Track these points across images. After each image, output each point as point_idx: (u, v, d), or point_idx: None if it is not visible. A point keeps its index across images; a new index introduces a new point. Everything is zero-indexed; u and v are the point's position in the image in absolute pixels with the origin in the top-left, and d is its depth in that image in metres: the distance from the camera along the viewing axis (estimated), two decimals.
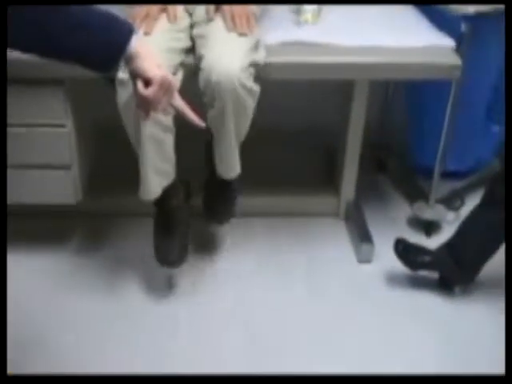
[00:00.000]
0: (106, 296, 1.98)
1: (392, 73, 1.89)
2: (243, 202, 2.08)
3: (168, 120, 1.74)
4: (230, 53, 1.67)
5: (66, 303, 1.95)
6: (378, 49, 1.87)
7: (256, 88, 1.72)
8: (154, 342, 1.83)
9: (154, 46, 1.68)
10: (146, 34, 1.70)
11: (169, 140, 1.78)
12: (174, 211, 1.92)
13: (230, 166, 1.89)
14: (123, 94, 1.66)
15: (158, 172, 1.80)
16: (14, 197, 1.96)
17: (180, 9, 1.80)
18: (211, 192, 1.99)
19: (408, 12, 2.11)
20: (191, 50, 1.82)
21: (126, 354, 1.80)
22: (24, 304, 1.92)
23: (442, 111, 2.10)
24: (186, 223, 1.96)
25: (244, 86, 1.67)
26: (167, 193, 1.86)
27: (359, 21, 2.01)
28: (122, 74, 1.65)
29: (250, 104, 1.73)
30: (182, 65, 1.78)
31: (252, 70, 1.70)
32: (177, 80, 1.73)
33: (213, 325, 1.89)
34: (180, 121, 1.71)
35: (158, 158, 1.77)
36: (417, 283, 2.05)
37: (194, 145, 1.89)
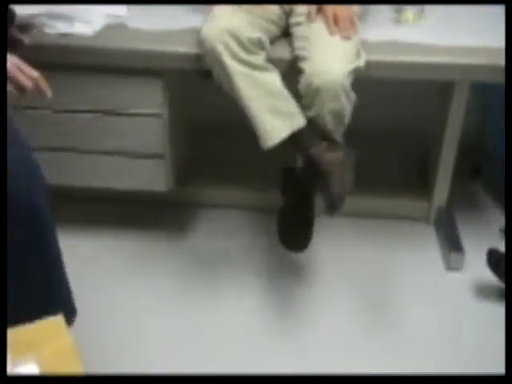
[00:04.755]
0: (177, 284, 2.02)
1: (493, 75, 1.81)
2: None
3: (257, 58, 1.69)
4: (335, 58, 1.64)
5: (133, 287, 2.00)
6: (480, 49, 1.81)
7: (353, 95, 1.69)
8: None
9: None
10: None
11: (269, 77, 1.71)
12: (318, 158, 1.72)
13: None
14: (211, 31, 1.66)
15: (273, 111, 1.70)
16: (105, 182, 2.03)
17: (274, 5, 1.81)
18: (288, 219, 1.89)
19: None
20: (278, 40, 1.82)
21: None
22: (92, 287, 1.98)
23: None
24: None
25: (346, 93, 1.65)
26: (303, 140, 1.73)
27: (461, 21, 1.94)
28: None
29: (348, 110, 1.70)
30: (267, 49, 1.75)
31: (353, 76, 1.67)
32: None
33: (279, 322, 1.90)
34: None
35: (262, 96, 1.69)
36: None
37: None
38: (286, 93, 1.73)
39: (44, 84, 1.47)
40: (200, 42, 1.71)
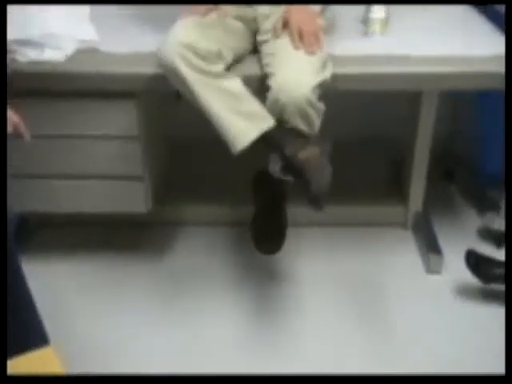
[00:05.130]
0: (157, 304, 2.01)
1: (460, 83, 1.84)
2: (311, 211, 2.07)
3: (215, 67, 1.67)
4: (299, 72, 1.63)
5: (114, 309, 2.00)
6: (446, 58, 1.83)
7: (321, 106, 1.69)
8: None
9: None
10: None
11: (229, 83, 1.68)
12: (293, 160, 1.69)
13: None
14: (167, 46, 1.65)
15: (238, 113, 1.67)
16: (84, 206, 2.02)
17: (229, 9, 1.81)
18: (263, 221, 1.90)
19: (476, 20, 2.08)
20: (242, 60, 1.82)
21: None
22: (72, 310, 1.98)
23: None
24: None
25: (312, 106, 1.65)
26: (279, 140, 1.69)
27: (427, 30, 1.98)
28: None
29: (317, 121, 1.70)
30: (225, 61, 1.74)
31: (320, 89, 1.67)
32: None
33: (264, 329, 1.91)
34: None
35: (225, 100, 1.66)
36: (487, 296, 2.00)
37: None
38: (249, 95, 1.70)
39: (23, 128, 1.46)
40: (158, 60, 1.69)
